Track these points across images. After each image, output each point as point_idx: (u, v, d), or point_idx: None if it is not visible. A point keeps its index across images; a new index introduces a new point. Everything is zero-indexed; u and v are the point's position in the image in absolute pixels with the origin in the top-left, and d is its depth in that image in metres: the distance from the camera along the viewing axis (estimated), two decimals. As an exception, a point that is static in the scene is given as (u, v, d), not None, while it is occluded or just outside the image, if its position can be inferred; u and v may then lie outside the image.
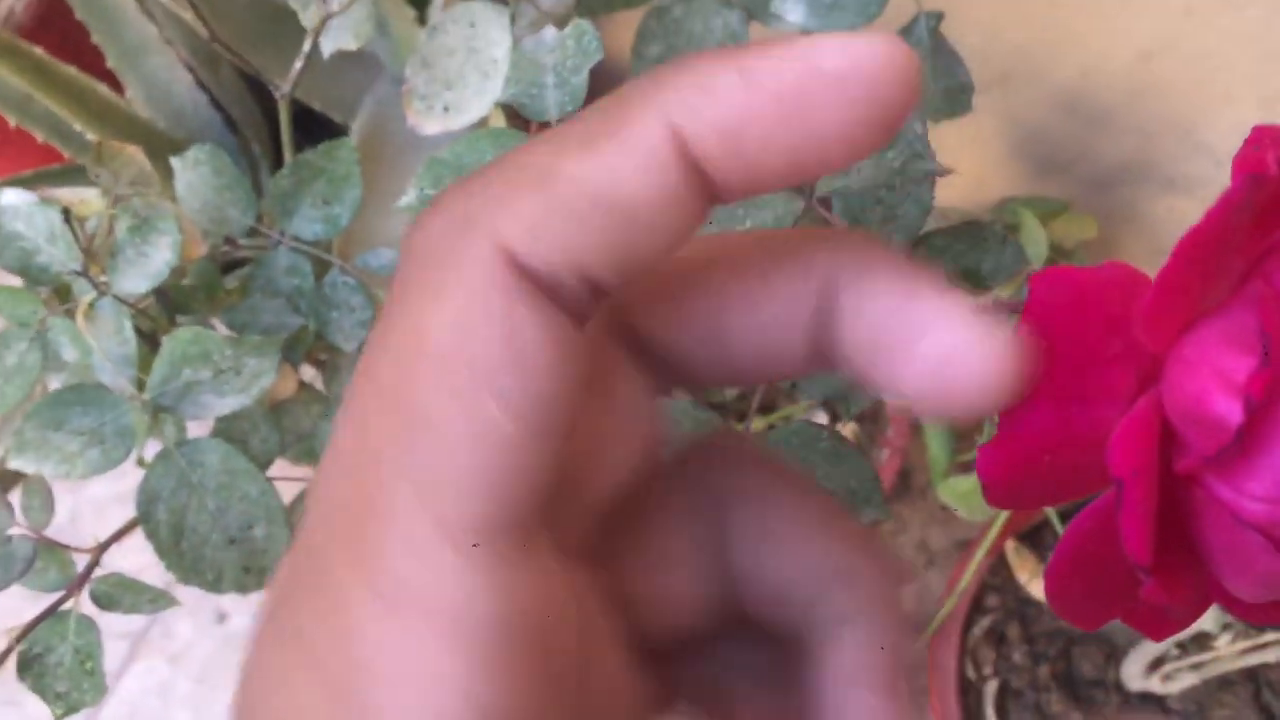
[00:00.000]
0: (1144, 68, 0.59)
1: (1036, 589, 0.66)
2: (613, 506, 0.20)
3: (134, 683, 0.77)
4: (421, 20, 0.57)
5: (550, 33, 0.36)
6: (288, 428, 0.45)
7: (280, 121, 0.44)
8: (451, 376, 0.16)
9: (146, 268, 0.40)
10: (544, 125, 0.37)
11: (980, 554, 0.63)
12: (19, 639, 0.38)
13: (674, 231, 0.17)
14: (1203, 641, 0.64)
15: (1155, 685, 0.63)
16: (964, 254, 0.33)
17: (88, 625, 0.39)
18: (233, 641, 0.78)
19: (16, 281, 0.42)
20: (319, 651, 0.17)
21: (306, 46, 0.41)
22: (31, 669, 0.38)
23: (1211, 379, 0.15)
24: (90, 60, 0.59)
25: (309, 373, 0.48)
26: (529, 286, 0.17)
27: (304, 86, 0.45)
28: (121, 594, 0.40)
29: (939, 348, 0.17)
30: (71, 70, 0.56)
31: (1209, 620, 0.64)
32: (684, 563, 0.21)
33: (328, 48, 0.41)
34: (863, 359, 0.18)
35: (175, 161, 0.43)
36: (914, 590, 0.74)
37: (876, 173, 0.34)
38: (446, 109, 0.38)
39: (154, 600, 0.40)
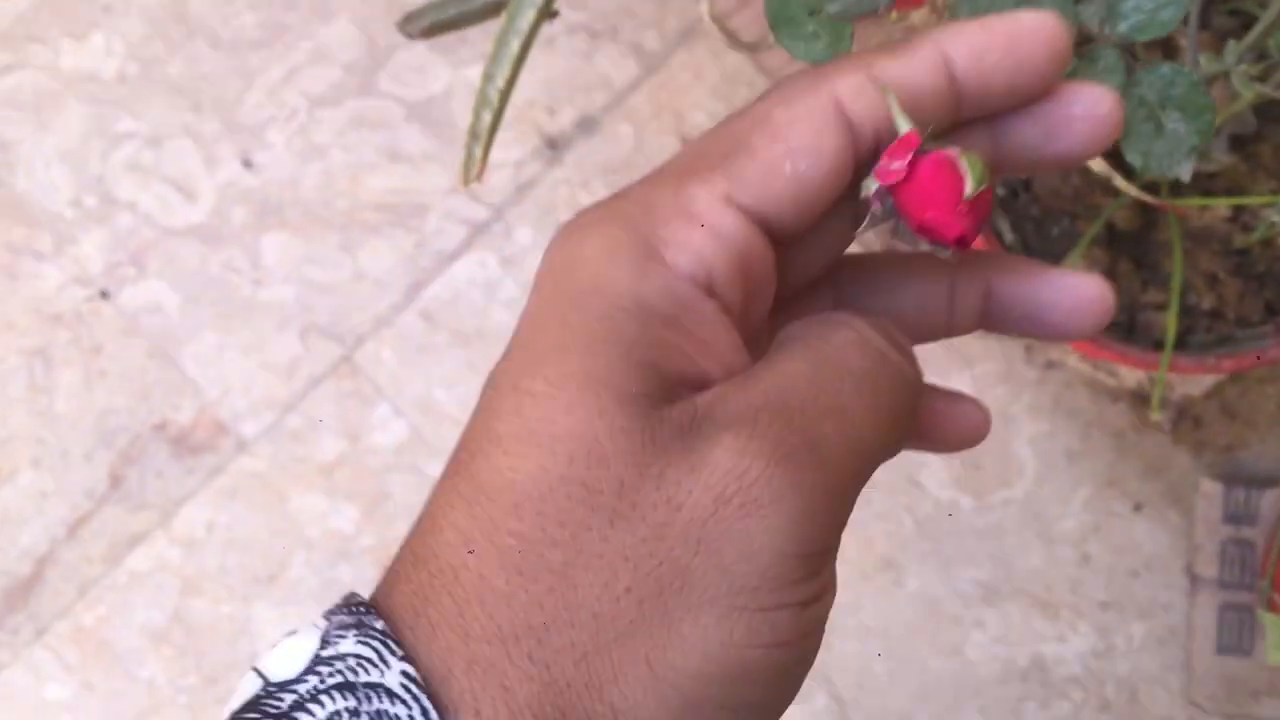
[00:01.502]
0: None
1: None
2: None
3: (463, 270, 0.78)
4: None
5: None
6: None
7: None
8: (784, 141, 0.26)
9: None
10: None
11: None
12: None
13: (938, 111, 0.26)
14: None
15: None
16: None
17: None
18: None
19: None
20: (625, 211, 0.25)
21: None
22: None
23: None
24: None
25: None
26: (845, 124, 0.26)
27: None
28: None
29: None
30: None
31: None
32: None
33: None
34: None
35: None
36: None
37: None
38: None
39: None
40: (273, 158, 0.79)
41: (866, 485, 0.25)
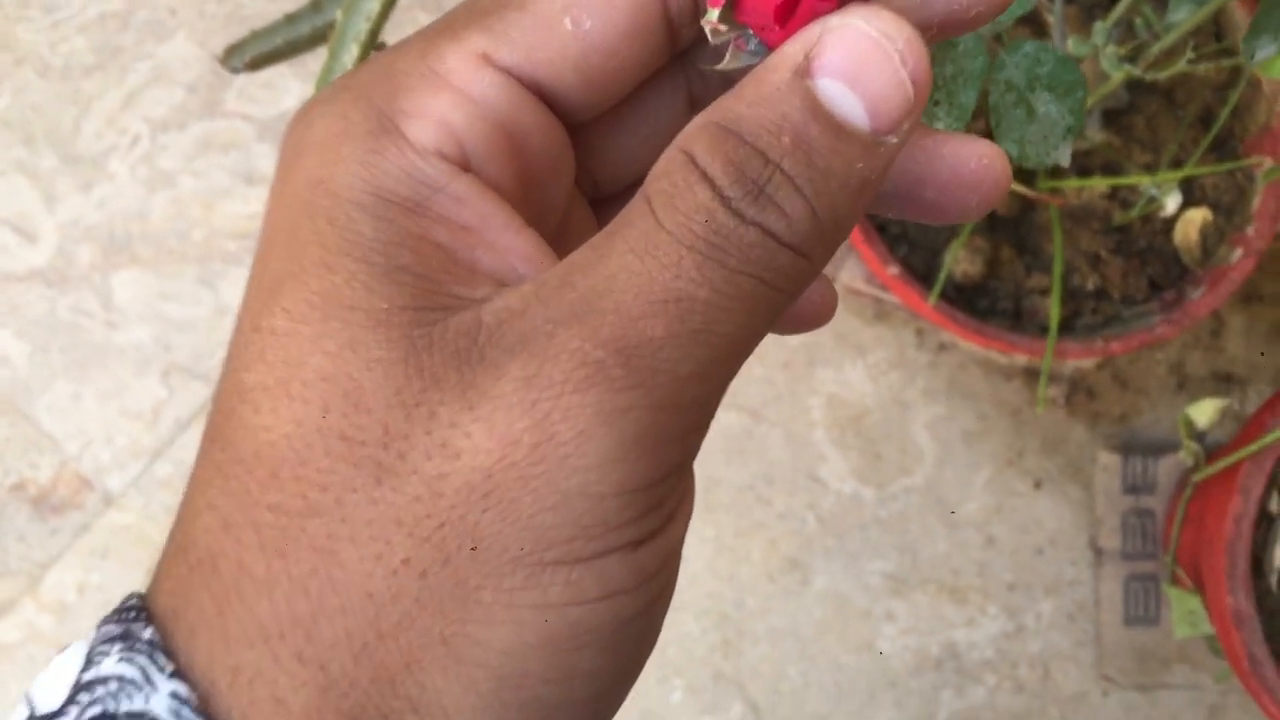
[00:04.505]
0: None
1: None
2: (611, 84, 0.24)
3: None
4: None
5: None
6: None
7: None
8: None
9: None
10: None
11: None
12: None
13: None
14: None
15: None
16: None
17: None
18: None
19: None
20: (360, 82, 0.22)
21: None
22: None
23: None
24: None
25: None
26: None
27: None
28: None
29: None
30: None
31: None
32: (651, 125, 0.25)
33: None
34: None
35: None
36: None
37: None
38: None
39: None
40: (116, 189, 0.74)
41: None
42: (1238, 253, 0.59)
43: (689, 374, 0.19)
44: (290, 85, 0.75)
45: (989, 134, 0.34)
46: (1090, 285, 0.60)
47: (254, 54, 0.44)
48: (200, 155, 0.74)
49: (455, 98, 0.21)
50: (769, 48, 0.21)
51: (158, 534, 0.72)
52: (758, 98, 0.20)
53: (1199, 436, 0.64)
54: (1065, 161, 0.32)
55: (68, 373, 0.73)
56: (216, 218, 0.74)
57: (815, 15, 0.21)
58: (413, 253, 0.20)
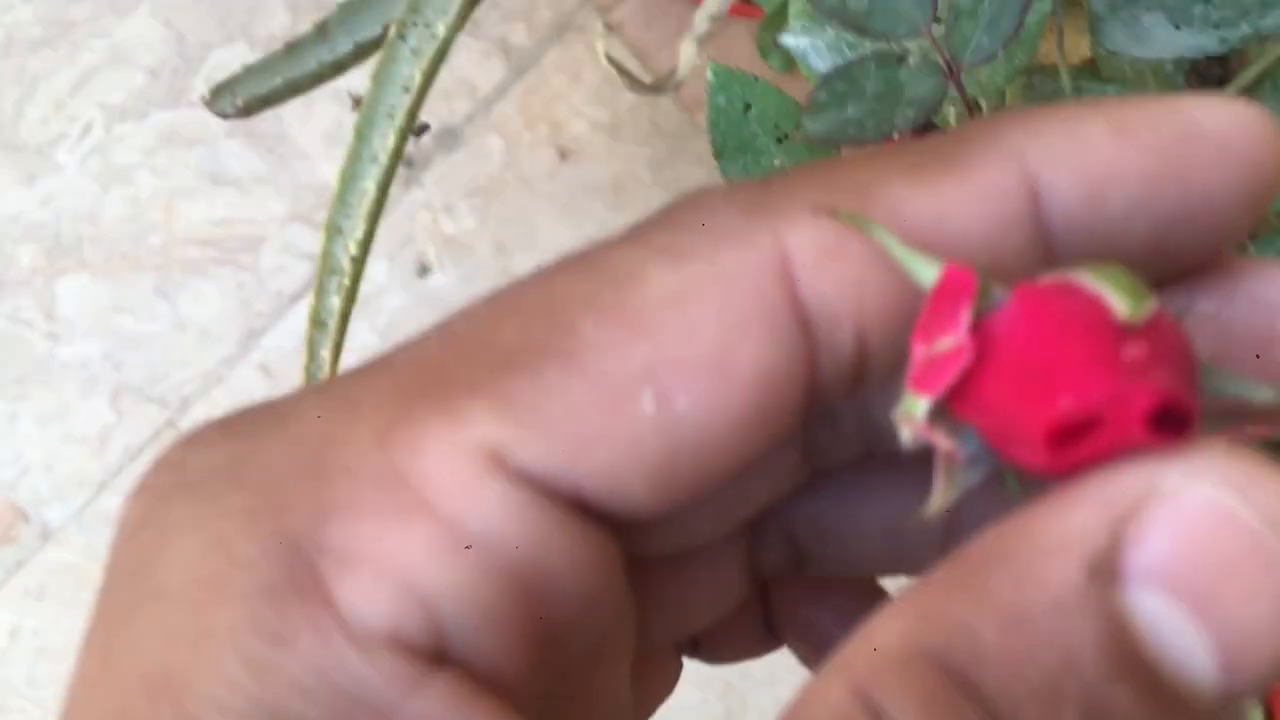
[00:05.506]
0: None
1: None
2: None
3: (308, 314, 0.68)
4: None
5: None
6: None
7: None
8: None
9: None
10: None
11: None
12: None
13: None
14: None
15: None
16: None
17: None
18: (429, 300, 0.65)
19: None
20: (267, 467, 0.14)
21: None
22: None
23: None
24: None
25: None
26: (794, 315, 0.14)
27: None
28: None
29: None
30: None
31: None
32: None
33: None
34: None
35: None
36: None
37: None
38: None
39: None
40: (64, 184, 0.65)
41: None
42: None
43: None
44: (266, 72, 0.67)
45: None
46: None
47: (248, 95, 0.36)
48: (161, 149, 0.66)
49: (435, 533, 0.13)
50: (1025, 477, 0.13)
51: (100, 574, 0.65)
52: (1017, 609, 0.11)
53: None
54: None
55: (3, 390, 0.65)
56: (177, 221, 0.66)
57: (1126, 447, 0.12)
58: None
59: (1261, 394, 0.13)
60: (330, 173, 0.37)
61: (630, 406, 0.13)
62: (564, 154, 0.68)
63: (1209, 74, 0.50)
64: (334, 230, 0.27)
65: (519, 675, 0.14)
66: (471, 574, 0.13)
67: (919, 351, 0.13)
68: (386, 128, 0.27)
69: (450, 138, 0.67)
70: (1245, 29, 0.23)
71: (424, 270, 0.66)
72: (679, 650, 0.18)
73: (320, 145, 0.66)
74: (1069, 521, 0.12)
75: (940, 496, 0.13)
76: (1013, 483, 0.13)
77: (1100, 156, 0.14)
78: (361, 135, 0.27)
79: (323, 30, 0.36)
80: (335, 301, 0.26)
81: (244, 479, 0.13)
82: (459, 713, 0.13)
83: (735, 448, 0.14)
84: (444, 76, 0.68)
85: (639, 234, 0.14)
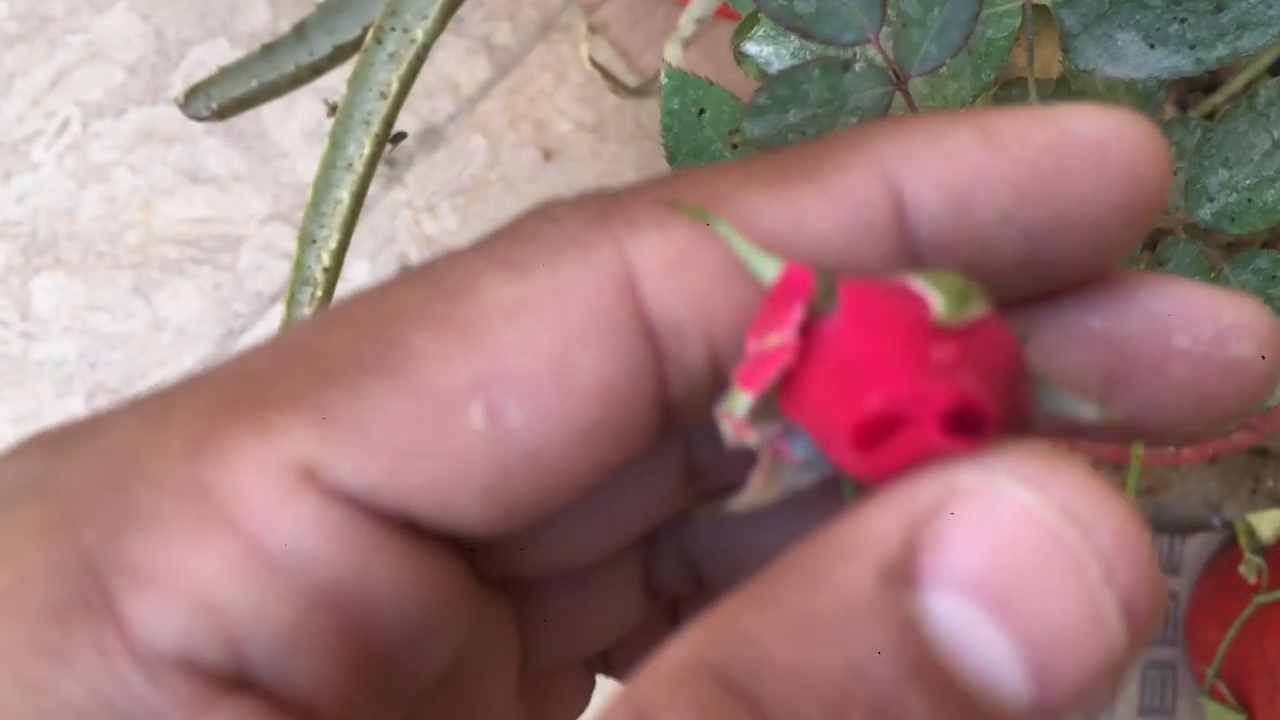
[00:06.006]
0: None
1: None
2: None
3: None
4: None
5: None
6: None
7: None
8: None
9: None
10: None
11: None
12: None
13: None
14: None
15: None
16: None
17: None
18: None
19: None
20: (67, 487, 0.13)
21: None
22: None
23: None
24: None
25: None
26: (638, 327, 0.13)
27: None
28: None
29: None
30: None
31: None
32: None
33: None
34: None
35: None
36: None
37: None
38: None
39: None
40: (40, 181, 0.64)
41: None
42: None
43: None
44: (247, 69, 0.66)
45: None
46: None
47: (223, 99, 0.36)
48: (139, 147, 0.65)
49: (236, 550, 0.12)
50: (851, 478, 0.12)
51: None
52: (804, 618, 0.11)
53: (1261, 550, 0.58)
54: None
55: (-23, 390, 0.64)
56: (155, 220, 0.65)
57: (932, 453, 0.12)
58: None
59: (1087, 412, 0.13)
60: (311, 171, 0.36)
61: (457, 421, 0.13)
62: (548, 154, 0.67)
63: (1196, 82, 0.49)
64: (307, 239, 0.26)
65: (339, 702, 0.13)
66: (276, 594, 0.12)
67: (751, 348, 0.13)
68: (362, 135, 0.27)
69: (433, 137, 0.66)
70: (1222, 50, 0.23)
71: (406, 271, 0.66)
72: (591, 668, 0.18)
73: (301, 143, 0.65)
74: (862, 527, 0.11)
75: (753, 494, 0.13)
76: (849, 490, 0.13)
77: (967, 166, 0.14)
78: (337, 142, 0.27)
79: (300, 32, 0.35)
80: (307, 313, 0.26)
81: (47, 491, 0.13)
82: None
83: (578, 464, 0.13)
84: (427, 75, 0.67)
85: (482, 245, 0.14)
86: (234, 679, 0.12)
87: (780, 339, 0.12)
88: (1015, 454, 0.11)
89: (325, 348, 0.13)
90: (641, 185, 0.14)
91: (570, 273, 0.13)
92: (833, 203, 0.14)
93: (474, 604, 0.14)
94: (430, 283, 0.13)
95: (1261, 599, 0.56)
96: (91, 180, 0.65)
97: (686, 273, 0.13)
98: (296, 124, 0.65)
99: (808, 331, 0.12)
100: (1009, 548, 0.11)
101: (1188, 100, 0.47)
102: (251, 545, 0.12)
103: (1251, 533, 0.57)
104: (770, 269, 0.13)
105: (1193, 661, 0.66)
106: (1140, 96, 0.26)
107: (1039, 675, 0.11)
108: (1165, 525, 0.68)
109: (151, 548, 0.12)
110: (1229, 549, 0.66)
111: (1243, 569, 0.57)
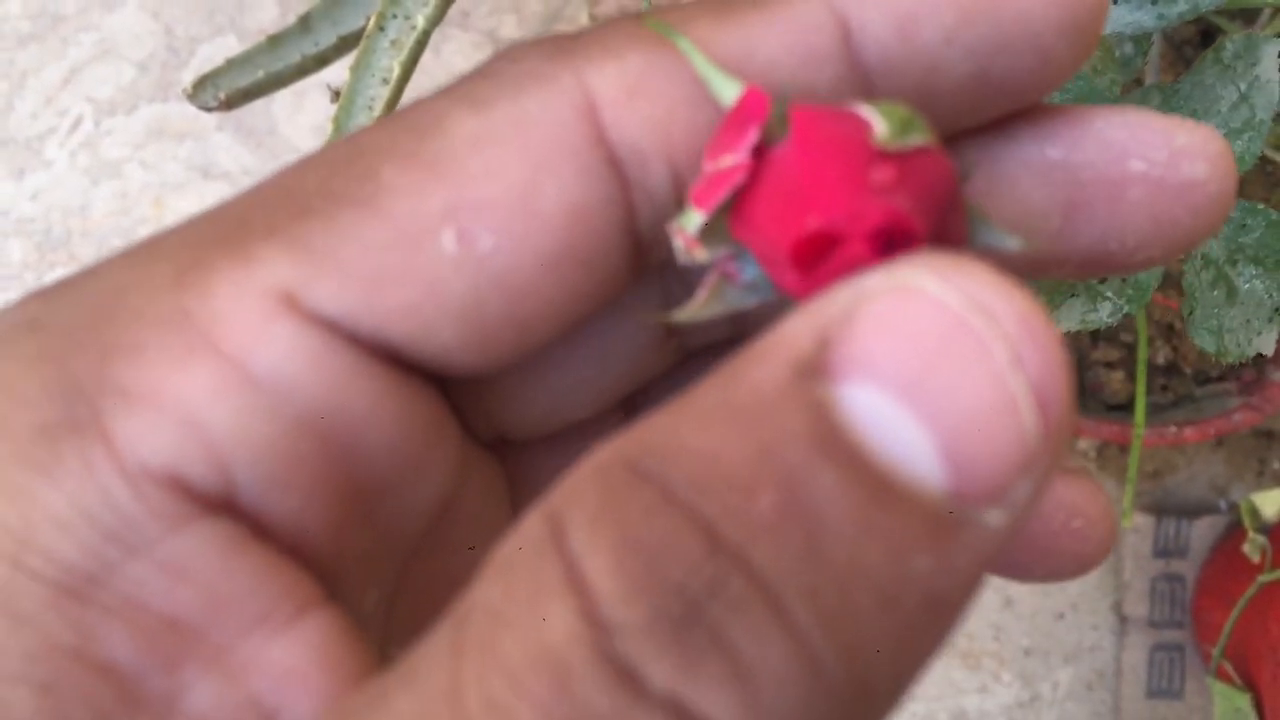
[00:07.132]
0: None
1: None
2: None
3: None
4: None
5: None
6: None
7: None
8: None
9: None
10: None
11: None
12: None
13: None
14: None
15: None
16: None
17: None
18: None
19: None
20: (61, 314, 0.13)
21: None
22: None
23: None
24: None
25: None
26: (600, 153, 0.14)
27: None
28: None
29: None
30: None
31: None
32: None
33: None
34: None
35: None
36: None
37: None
38: None
39: None
40: (54, 178, 0.65)
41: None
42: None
43: None
44: (256, 65, 0.66)
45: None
46: (1161, 358, 0.54)
47: (230, 88, 0.36)
48: (151, 143, 0.66)
49: (220, 371, 0.13)
50: (787, 295, 0.13)
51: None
52: (718, 410, 0.11)
53: (1265, 529, 0.58)
54: (1269, 350, 0.25)
55: (-6, 385, 0.65)
56: (168, 215, 0.66)
57: (861, 268, 0.12)
58: (43, 695, 0.12)
59: (1010, 243, 0.14)
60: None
61: (429, 246, 0.13)
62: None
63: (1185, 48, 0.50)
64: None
65: (325, 536, 0.13)
66: (260, 415, 0.13)
67: (706, 168, 0.13)
68: (365, 120, 0.27)
69: (440, 130, 0.67)
70: (1183, 6, 0.23)
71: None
72: None
73: (310, 138, 0.66)
74: (778, 332, 0.11)
75: (696, 307, 0.13)
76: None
77: None
78: (340, 128, 0.27)
79: (305, 23, 0.36)
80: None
81: (38, 328, 0.13)
82: (219, 555, 0.12)
83: (549, 290, 0.14)
84: (434, 68, 0.68)
85: (448, 88, 0.14)
86: (220, 501, 0.13)
87: (733, 159, 0.13)
88: (919, 255, 0.11)
89: (302, 185, 0.14)
90: (599, 26, 0.15)
91: (532, 104, 0.14)
92: (780, 29, 0.14)
93: (460, 452, 0.15)
94: (400, 123, 0.14)
95: (1265, 578, 0.56)
96: (104, 177, 0.66)
97: (645, 99, 0.14)
98: (306, 119, 0.65)
99: (760, 154, 0.13)
100: (916, 334, 0.11)
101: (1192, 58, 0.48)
102: (234, 366, 0.13)
103: (1255, 512, 0.57)
104: (729, 90, 0.13)
105: (1199, 643, 0.67)
106: (1117, 63, 0.26)
107: (953, 460, 0.11)
108: (1172, 508, 0.68)
109: (138, 371, 0.13)
110: (1235, 531, 0.66)
111: (1246, 548, 0.58)
